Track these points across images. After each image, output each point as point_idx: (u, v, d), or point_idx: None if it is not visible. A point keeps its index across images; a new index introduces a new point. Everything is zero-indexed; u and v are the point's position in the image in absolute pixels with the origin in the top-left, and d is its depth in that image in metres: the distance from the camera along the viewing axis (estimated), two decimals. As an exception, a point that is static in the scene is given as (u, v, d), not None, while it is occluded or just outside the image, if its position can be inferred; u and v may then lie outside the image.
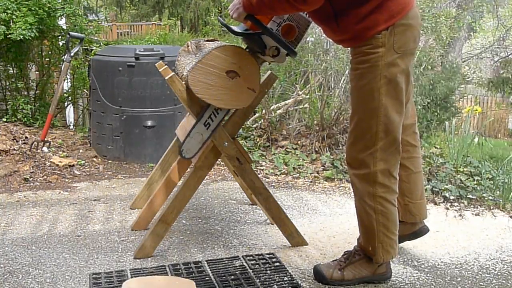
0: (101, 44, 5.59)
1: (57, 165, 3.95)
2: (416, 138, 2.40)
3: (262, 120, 4.67)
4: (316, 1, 1.99)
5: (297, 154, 4.18)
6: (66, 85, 5.55)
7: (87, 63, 5.15)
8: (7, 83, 5.34)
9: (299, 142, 4.38)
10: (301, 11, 2.20)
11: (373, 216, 2.17)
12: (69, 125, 5.97)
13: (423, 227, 2.53)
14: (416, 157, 2.40)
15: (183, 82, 2.38)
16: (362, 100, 2.10)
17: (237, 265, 2.41)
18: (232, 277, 2.28)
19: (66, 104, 5.69)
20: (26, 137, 4.36)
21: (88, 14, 8.82)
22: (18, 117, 4.97)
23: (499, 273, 2.45)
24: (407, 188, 2.41)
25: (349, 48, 2.24)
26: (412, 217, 2.46)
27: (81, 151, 4.35)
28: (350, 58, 2.15)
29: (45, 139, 4.27)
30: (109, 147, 4.17)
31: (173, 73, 2.40)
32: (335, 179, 3.82)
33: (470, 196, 3.38)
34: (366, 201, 2.17)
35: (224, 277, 2.28)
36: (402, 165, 2.33)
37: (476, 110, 5.20)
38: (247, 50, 2.36)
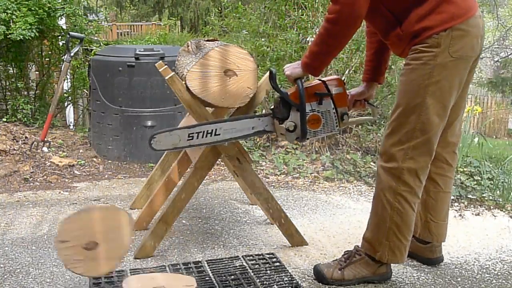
0: (101, 44, 5.59)
1: (57, 165, 3.96)
2: (454, 158, 2.38)
3: (262, 120, 4.66)
4: (350, 18, 2.02)
5: (297, 154, 4.19)
6: (66, 85, 5.55)
7: (87, 63, 5.15)
8: (7, 83, 5.34)
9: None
10: (351, 32, 2.12)
11: (389, 211, 2.15)
12: (69, 125, 5.97)
13: (440, 257, 2.49)
14: (449, 177, 2.38)
15: (183, 82, 2.38)
16: (407, 94, 2.11)
17: (237, 265, 2.41)
18: (232, 277, 2.28)
19: (66, 104, 5.69)
20: (26, 137, 4.37)
21: (88, 14, 8.81)
22: (18, 117, 4.97)
23: (499, 273, 2.45)
24: (432, 205, 2.39)
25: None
26: (430, 236, 2.43)
27: (81, 151, 4.35)
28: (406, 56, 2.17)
29: (45, 139, 4.27)
30: (109, 147, 4.17)
31: (173, 73, 2.40)
32: (335, 179, 3.82)
33: (470, 196, 3.38)
34: (386, 194, 2.15)
35: (224, 277, 2.28)
36: (433, 180, 2.33)
37: (476, 110, 5.20)
38: (271, 110, 2.39)
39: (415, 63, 2.08)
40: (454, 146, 2.36)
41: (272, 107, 2.39)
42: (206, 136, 2.31)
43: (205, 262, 2.43)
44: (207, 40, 2.53)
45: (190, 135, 2.29)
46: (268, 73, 2.34)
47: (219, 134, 2.32)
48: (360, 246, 2.30)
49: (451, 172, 2.40)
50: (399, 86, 2.18)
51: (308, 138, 2.33)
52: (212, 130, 2.31)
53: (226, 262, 2.44)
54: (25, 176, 3.72)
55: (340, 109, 2.34)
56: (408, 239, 2.21)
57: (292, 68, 2.24)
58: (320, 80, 2.34)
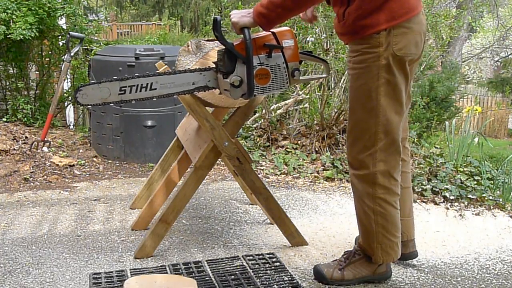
0: (101, 44, 5.59)
1: (57, 165, 3.96)
2: (407, 153, 2.36)
3: (262, 120, 4.67)
4: None
5: (297, 154, 4.19)
6: (66, 85, 5.55)
7: (87, 63, 5.15)
8: (7, 83, 5.34)
9: (299, 142, 4.38)
10: None
11: (372, 217, 2.15)
12: (69, 125, 5.97)
13: (413, 252, 2.45)
14: (406, 172, 2.35)
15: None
16: (360, 100, 2.09)
17: (237, 265, 2.41)
18: (232, 277, 2.28)
19: (66, 104, 5.69)
20: (26, 137, 4.36)
21: (88, 14, 8.82)
22: (18, 117, 4.97)
23: (499, 273, 2.45)
24: None
25: (347, 47, 2.21)
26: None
27: (81, 151, 4.35)
28: (347, 58, 2.13)
29: (45, 139, 4.27)
30: (109, 147, 4.18)
31: (173, 73, 2.40)
32: (335, 179, 3.82)
33: (470, 196, 3.38)
34: (365, 202, 2.15)
35: (224, 277, 2.28)
36: None
37: (476, 110, 5.20)
38: (214, 63, 2.23)
39: (359, 67, 2.05)
40: (404, 141, 2.32)
41: (216, 60, 2.21)
42: (141, 91, 2.14)
43: (205, 262, 2.43)
44: (207, 40, 2.53)
45: (122, 88, 2.11)
46: (212, 21, 2.11)
47: (155, 89, 2.16)
48: (357, 247, 2.30)
49: (407, 167, 2.36)
50: (350, 94, 2.14)
51: (255, 95, 2.17)
52: (147, 84, 2.14)
53: (226, 262, 2.44)
54: (25, 176, 3.71)
55: (291, 64, 2.17)
56: (397, 235, 2.21)
57: (241, 16, 2.06)
58: (269, 31, 2.15)
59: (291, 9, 2.04)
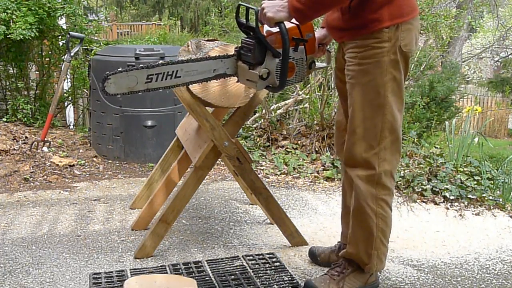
0: (101, 44, 5.59)
1: (57, 165, 3.96)
2: None
3: (262, 120, 4.67)
4: None
5: (297, 154, 4.18)
6: (66, 85, 5.55)
7: (87, 63, 5.15)
8: (7, 83, 5.34)
9: (299, 142, 4.38)
10: None
11: (374, 220, 2.08)
12: (69, 125, 5.97)
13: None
14: None
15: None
16: (367, 97, 2.03)
17: (237, 265, 2.41)
18: (232, 277, 2.28)
19: (66, 104, 5.70)
20: (26, 137, 4.36)
21: (88, 14, 8.83)
22: (18, 117, 4.97)
23: (499, 273, 2.45)
24: None
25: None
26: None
27: (81, 151, 4.35)
28: (351, 54, 2.07)
29: (45, 139, 4.27)
30: (109, 147, 4.18)
31: (173, 73, 2.39)
32: (335, 179, 3.82)
33: (470, 196, 3.38)
34: (369, 203, 2.07)
35: (224, 277, 2.28)
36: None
37: (476, 110, 5.19)
38: (236, 52, 2.19)
39: (367, 62, 2.01)
40: None
41: (239, 49, 2.16)
42: (166, 79, 2.12)
43: (205, 262, 2.44)
44: (207, 40, 2.53)
45: (149, 76, 2.09)
46: (244, 10, 2.07)
47: (179, 77, 2.14)
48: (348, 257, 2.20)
49: None
50: (354, 90, 2.06)
51: (282, 88, 2.12)
52: (173, 71, 2.12)
53: (226, 262, 2.44)
54: (25, 176, 3.71)
55: (309, 57, 2.16)
56: (388, 241, 2.17)
57: (276, 10, 1.98)
58: (292, 22, 2.08)
59: (329, 5, 2.01)
